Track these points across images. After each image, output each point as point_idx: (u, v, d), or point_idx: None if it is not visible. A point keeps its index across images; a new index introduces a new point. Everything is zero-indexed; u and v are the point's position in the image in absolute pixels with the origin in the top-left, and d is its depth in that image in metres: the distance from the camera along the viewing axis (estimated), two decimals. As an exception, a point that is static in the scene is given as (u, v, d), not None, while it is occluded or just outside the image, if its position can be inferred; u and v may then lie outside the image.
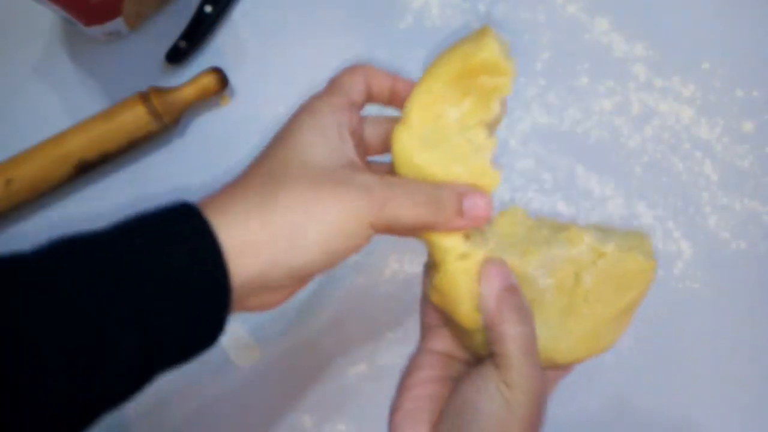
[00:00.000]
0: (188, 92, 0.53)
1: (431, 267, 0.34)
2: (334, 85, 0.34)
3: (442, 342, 0.35)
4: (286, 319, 0.50)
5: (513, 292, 0.32)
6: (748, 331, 0.48)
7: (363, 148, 0.35)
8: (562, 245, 0.33)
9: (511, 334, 0.31)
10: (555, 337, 0.33)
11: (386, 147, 0.35)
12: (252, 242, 0.28)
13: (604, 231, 0.34)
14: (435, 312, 0.35)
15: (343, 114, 0.33)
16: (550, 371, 0.35)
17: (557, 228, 0.34)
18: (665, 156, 0.51)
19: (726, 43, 0.52)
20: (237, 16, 0.56)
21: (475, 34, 0.33)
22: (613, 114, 0.52)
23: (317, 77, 0.55)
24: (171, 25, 0.56)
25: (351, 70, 0.35)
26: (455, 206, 0.31)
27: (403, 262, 0.50)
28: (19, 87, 0.57)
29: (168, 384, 0.49)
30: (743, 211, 0.50)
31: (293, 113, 0.34)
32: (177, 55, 0.55)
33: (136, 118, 0.52)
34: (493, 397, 0.30)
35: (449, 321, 0.34)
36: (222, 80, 0.54)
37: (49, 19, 0.57)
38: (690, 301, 0.49)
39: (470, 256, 0.32)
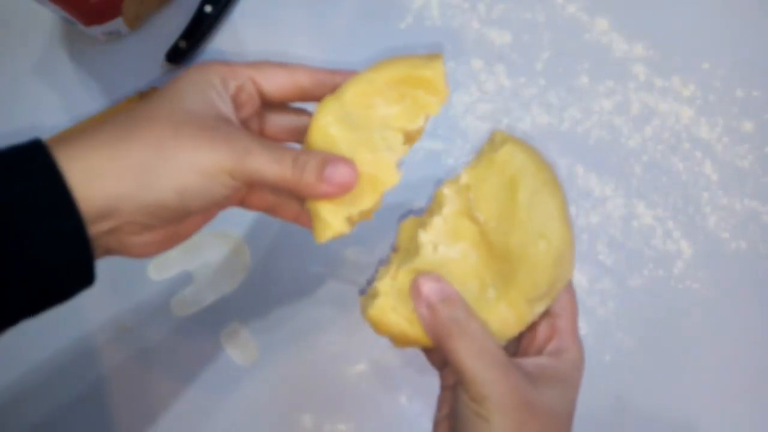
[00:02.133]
0: (188, 92, 0.53)
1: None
2: (232, 64, 0.34)
3: (451, 376, 0.34)
4: (286, 319, 0.50)
5: (447, 303, 0.30)
6: (748, 331, 0.48)
7: (247, 118, 0.35)
8: (436, 212, 0.33)
9: (455, 347, 0.29)
10: (508, 286, 0.31)
11: (287, 137, 0.36)
12: (98, 174, 0.28)
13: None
14: (435, 352, 0.34)
15: (227, 76, 0.33)
16: (557, 318, 0.33)
17: (431, 206, 0.34)
18: (665, 156, 0.51)
19: (726, 43, 0.53)
20: (237, 16, 0.56)
21: (428, 55, 0.36)
22: (613, 114, 0.52)
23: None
24: (171, 25, 0.56)
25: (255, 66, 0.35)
26: (317, 170, 0.31)
27: (403, 262, 0.50)
28: (19, 87, 0.57)
29: (167, 383, 0.50)
30: (743, 211, 0.50)
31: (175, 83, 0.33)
32: (177, 55, 0.55)
33: (136, 118, 0.52)
34: (472, 422, 0.29)
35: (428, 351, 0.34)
36: (222, 80, 0.54)
37: (49, 19, 0.57)
38: (690, 301, 0.49)
39: (390, 281, 0.32)
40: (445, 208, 0.33)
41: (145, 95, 0.52)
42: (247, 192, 0.36)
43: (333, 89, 0.35)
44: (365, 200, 0.33)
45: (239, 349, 0.50)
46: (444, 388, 0.35)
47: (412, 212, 0.51)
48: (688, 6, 0.53)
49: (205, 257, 0.51)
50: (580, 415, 0.48)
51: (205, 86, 0.32)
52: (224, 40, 0.56)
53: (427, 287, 0.30)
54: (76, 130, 0.30)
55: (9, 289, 0.27)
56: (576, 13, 0.54)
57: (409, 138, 0.34)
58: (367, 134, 0.33)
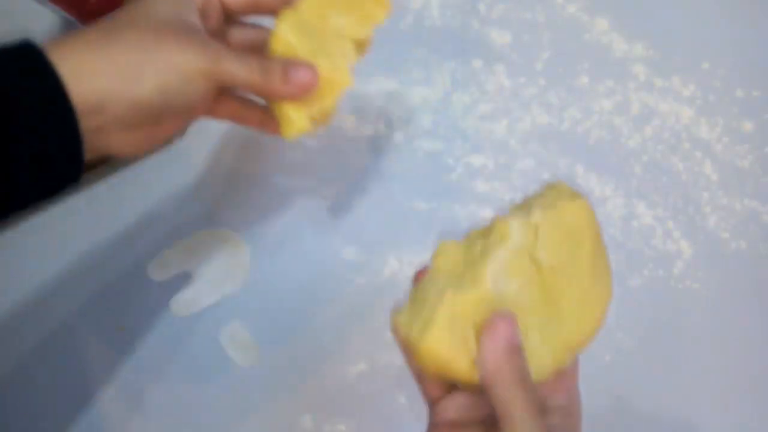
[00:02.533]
0: (188, 92, 0.53)
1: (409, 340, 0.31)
2: None
3: (454, 409, 0.33)
4: (286, 319, 0.50)
5: (515, 353, 0.29)
6: (748, 331, 0.48)
7: (212, 31, 0.38)
8: (499, 244, 0.31)
9: (512, 397, 0.28)
10: (554, 332, 0.31)
11: (248, 51, 0.39)
12: (89, 69, 0.30)
13: (522, 205, 0.33)
14: (436, 383, 0.33)
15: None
16: (568, 371, 0.33)
17: (485, 233, 0.33)
18: (665, 156, 0.51)
19: (726, 43, 0.53)
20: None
21: None
22: (613, 114, 0.52)
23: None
24: (171, 25, 0.56)
25: None
26: (281, 74, 0.35)
27: (402, 262, 0.50)
28: (19, 87, 0.57)
29: (167, 383, 0.50)
30: (743, 211, 0.50)
31: None
32: (177, 55, 0.55)
33: (136, 118, 0.52)
34: None
35: (453, 382, 0.32)
36: (222, 80, 0.54)
37: (49, 19, 0.57)
38: (690, 301, 0.49)
39: (449, 308, 0.30)
40: (510, 242, 0.31)
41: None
42: (215, 101, 0.38)
43: (289, 2, 0.39)
44: (325, 101, 0.38)
45: (239, 349, 0.50)
46: (434, 425, 0.34)
47: (411, 210, 0.51)
48: (688, 6, 0.53)
49: (205, 257, 0.51)
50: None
51: None
52: (224, 40, 0.56)
53: (504, 330, 0.29)
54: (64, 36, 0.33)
55: (9, 172, 0.29)
56: (576, 13, 0.54)
57: (360, 45, 0.39)
58: (322, 41, 0.38)
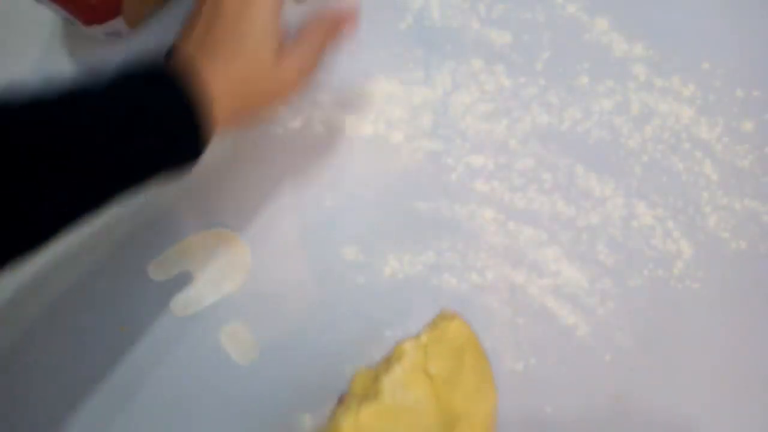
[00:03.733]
0: (188, 92, 0.53)
1: None
2: None
3: None
4: (286, 319, 0.50)
5: None
6: (748, 331, 0.48)
7: None
8: (396, 363, 0.37)
9: None
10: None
11: None
12: (221, 99, 0.40)
13: (418, 334, 0.38)
14: None
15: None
16: None
17: (389, 359, 0.38)
18: (665, 156, 0.51)
19: (726, 43, 0.53)
20: (237, 16, 0.56)
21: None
22: (613, 114, 0.52)
23: (317, 77, 0.55)
24: (171, 25, 0.56)
25: None
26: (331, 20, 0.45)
27: (402, 262, 0.50)
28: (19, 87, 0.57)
29: (167, 383, 0.49)
30: (743, 211, 0.50)
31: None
32: (177, 55, 0.55)
33: (136, 118, 0.52)
34: None
35: None
36: (222, 80, 0.54)
37: (49, 19, 0.57)
38: (690, 301, 0.49)
39: (354, 417, 0.36)
40: (404, 360, 0.37)
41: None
42: None
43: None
44: None
45: (239, 349, 0.50)
46: None
47: (411, 210, 0.51)
48: (688, 6, 0.53)
49: (205, 257, 0.51)
50: (581, 415, 0.48)
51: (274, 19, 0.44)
52: (224, 40, 0.56)
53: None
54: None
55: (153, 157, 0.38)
56: (576, 13, 0.54)
57: None
58: None
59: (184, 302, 0.50)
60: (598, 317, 0.49)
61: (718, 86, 0.52)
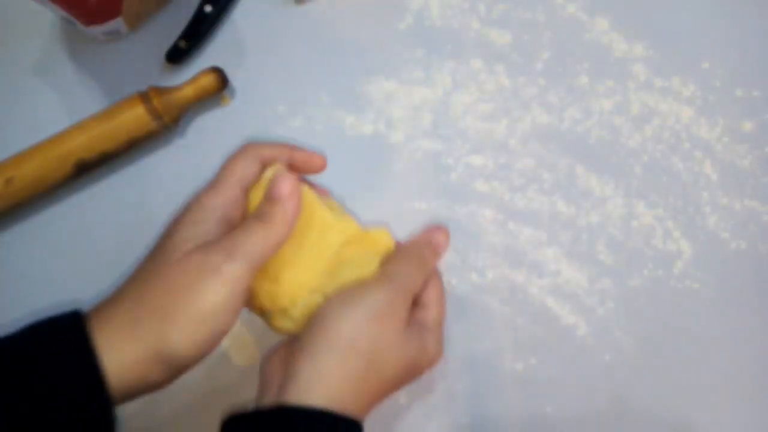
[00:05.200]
0: (188, 92, 0.53)
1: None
2: (223, 175, 0.36)
3: None
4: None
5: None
6: (748, 331, 0.48)
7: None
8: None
9: None
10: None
11: None
12: (130, 361, 0.30)
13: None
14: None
15: (227, 209, 0.35)
16: None
17: None
18: (665, 156, 0.51)
19: (726, 43, 0.53)
20: (237, 16, 0.57)
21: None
22: (613, 114, 0.52)
23: (317, 77, 0.55)
24: (171, 25, 0.56)
25: (242, 152, 0.37)
26: (270, 205, 0.34)
27: (403, 262, 0.50)
28: (19, 87, 0.57)
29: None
30: (743, 211, 0.50)
31: (177, 216, 0.36)
32: (177, 55, 0.55)
33: (136, 118, 0.52)
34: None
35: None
36: (222, 80, 0.54)
37: (49, 19, 0.57)
38: (690, 301, 0.49)
39: None
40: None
41: (145, 95, 0.52)
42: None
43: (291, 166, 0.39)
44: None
45: (239, 349, 0.50)
46: None
47: (411, 210, 0.51)
48: (688, 6, 0.53)
49: (205, 257, 0.51)
50: (581, 415, 0.48)
51: (209, 234, 0.34)
52: (224, 40, 0.56)
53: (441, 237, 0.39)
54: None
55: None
56: (576, 13, 0.54)
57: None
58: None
59: (184, 302, 0.50)
60: (598, 317, 0.49)
61: (718, 86, 0.52)
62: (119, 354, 0.30)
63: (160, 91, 0.53)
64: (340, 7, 0.56)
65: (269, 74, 0.55)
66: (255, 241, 0.32)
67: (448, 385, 0.49)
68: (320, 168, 0.39)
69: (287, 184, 0.34)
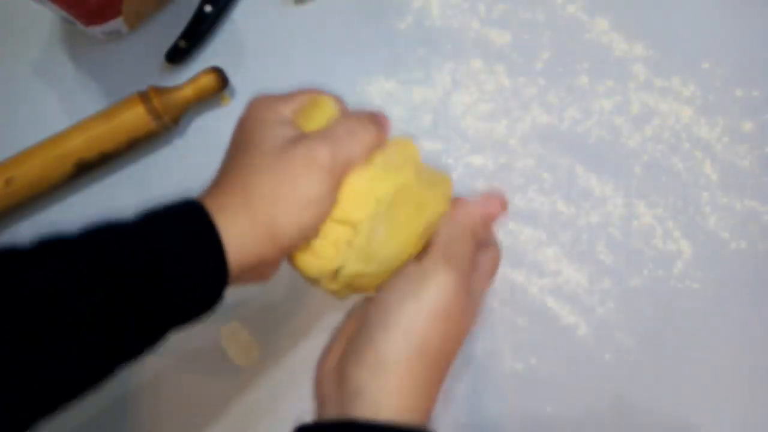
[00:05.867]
0: (188, 92, 0.53)
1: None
2: (288, 93, 0.38)
3: None
4: (286, 320, 0.50)
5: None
6: (748, 331, 0.48)
7: None
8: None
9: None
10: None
11: None
12: (241, 237, 0.32)
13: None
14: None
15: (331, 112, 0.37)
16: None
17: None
18: (665, 156, 0.51)
19: (726, 43, 0.53)
20: (237, 16, 0.57)
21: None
22: (613, 114, 0.52)
23: (317, 77, 0.55)
24: (171, 25, 0.56)
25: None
26: (371, 119, 0.36)
27: (403, 262, 0.50)
28: (19, 87, 0.57)
29: (167, 383, 0.50)
30: (743, 211, 0.50)
31: (251, 119, 0.37)
32: (177, 55, 0.55)
33: (136, 118, 0.52)
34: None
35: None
36: (222, 80, 0.54)
37: (49, 19, 0.57)
38: (690, 301, 0.49)
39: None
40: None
41: (144, 95, 0.52)
42: None
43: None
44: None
45: (239, 349, 0.50)
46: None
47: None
48: (688, 6, 0.53)
49: (205, 257, 0.51)
50: (581, 415, 0.48)
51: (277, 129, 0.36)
52: (224, 40, 0.56)
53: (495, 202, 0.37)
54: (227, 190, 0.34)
55: (165, 315, 0.32)
56: (576, 13, 0.54)
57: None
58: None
59: (184, 302, 0.50)
60: (598, 317, 0.49)
61: (718, 86, 0.52)
62: (239, 232, 0.31)
63: (160, 91, 0.53)
64: (340, 7, 0.56)
65: (269, 74, 0.55)
66: (355, 141, 0.34)
67: (448, 385, 0.49)
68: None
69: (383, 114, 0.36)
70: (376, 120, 0.35)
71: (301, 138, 0.34)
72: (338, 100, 0.39)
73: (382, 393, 0.31)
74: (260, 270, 0.35)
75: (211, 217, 0.32)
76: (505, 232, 0.51)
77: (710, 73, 0.52)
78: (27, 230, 0.55)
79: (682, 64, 0.52)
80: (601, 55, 0.53)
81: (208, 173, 0.54)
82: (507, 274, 0.50)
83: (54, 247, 0.31)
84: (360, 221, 0.34)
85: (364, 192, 0.35)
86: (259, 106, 0.36)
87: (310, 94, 0.38)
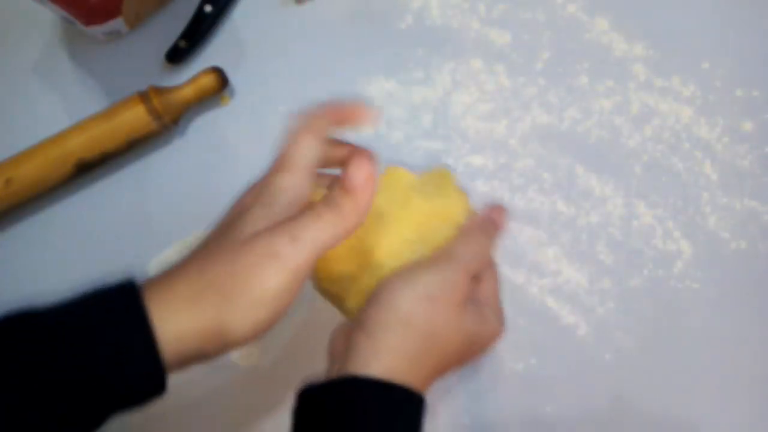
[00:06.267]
0: (188, 92, 0.53)
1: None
2: (290, 155, 0.34)
3: None
4: (286, 320, 0.50)
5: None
6: (748, 331, 0.48)
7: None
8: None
9: None
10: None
11: None
12: (188, 333, 0.30)
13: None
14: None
15: (296, 190, 0.34)
16: None
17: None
18: (665, 156, 0.51)
19: (726, 43, 0.52)
20: (237, 16, 0.57)
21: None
22: (613, 114, 0.52)
23: (317, 77, 0.55)
24: (171, 25, 0.56)
25: (304, 131, 0.35)
26: (341, 195, 0.32)
27: (403, 262, 0.50)
28: (19, 87, 0.57)
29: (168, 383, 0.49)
30: (743, 211, 0.50)
31: (244, 196, 0.36)
32: (177, 55, 0.55)
33: (136, 118, 0.52)
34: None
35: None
36: (222, 80, 0.54)
37: (49, 19, 0.57)
38: (690, 301, 0.49)
39: None
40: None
41: (144, 95, 0.52)
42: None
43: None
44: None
45: (239, 349, 0.50)
46: None
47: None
48: (688, 6, 0.53)
49: (205, 257, 0.51)
50: (581, 415, 0.48)
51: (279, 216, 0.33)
52: (224, 40, 0.56)
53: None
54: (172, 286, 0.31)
55: (102, 403, 0.29)
56: (576, 13, 0.54)
57: None
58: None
59: (184, 302, 0.50)
60: (598, 317, 0.49)
61: (718, 86, 0.52)
62: (177, 325, 0.29)
63: (160, 91, 0.53)
64: (340, 7, 0.56)
65: (269, 74, 0.55)
66: (322, 228, 0.31)
67: (448, 385, 0.49)
68: (370, 119, 0.37)
69: (363, 173, 0.32)
70: (352, 197, 0.32)
71: (273, 226, 0.31)
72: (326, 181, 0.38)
73: (371, 352, 0.34)
74: (208, 358, 0.32)
75: (147, 310, 0.29)
76: (505, 232, 0.51)
77: (710, 73, 0.52)
78: (27, 231, 0.55)
79: (682, 64, 0.52)
80: (601, 55, 0.53)
81: (208, 173, 0.54)
82: (507, 274, 0.50)
83: None
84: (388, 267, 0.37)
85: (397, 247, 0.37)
86: (254, 184, 0.35)
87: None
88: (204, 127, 0.55)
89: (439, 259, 0.36)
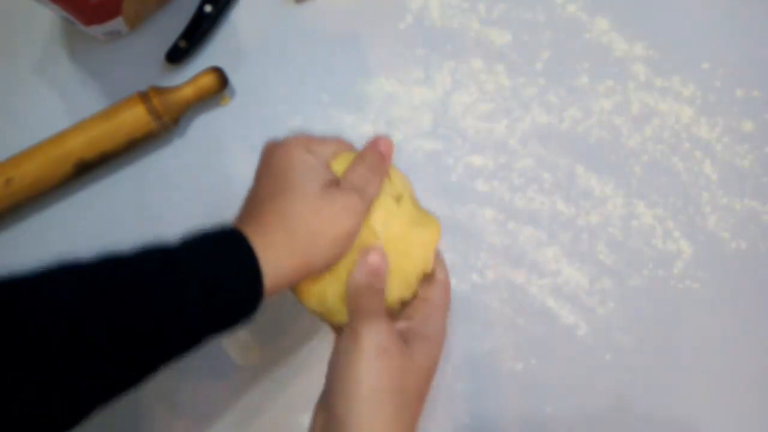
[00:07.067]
0: (188, 92, 0.53)
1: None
2: (320, 137, 0.42)
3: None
4: (286, 319, 0.50)
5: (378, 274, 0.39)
6: (748, 331, 0.48)
7: None
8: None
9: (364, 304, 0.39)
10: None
11: None
12: (284, 269, 0.37)
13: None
14: None
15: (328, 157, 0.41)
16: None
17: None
18: (665, 156, 0.51)
19: (726, 43, 0.53)
20: (237, 16, 0.57)
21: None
22: (613, 114, 0.52)
23: (317, 77, 0.55)
24: (171, 25, 0.56)
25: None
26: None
27: (403, 262, 0.50)
28: (19, 87, 0.57)
29: (169, 383, 0.50)
30: (743, 211, 0.50)
31: (285, 160, 0.40)
32: (177, 55, 0.55)
33: (136, 118, 0.52)
34: (345, 353, 0.39)
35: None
36: (222, 80, 0.54)
37: (49, 19, 0.57)
38: (690, 301, 0.49)
39: None
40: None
41: (144, 95, 0.52)
42: None
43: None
44: None
45: (239, 349, 0.50)
46: None
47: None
48: (688, 6, 0.53)
49: (205, 257, 0.51)
50: (581, 415, 0.48)
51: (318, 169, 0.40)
52: (224, 40, 0.56)
53: (373, 258, 0.39)
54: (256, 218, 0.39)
55: (206, 326, 0.36)
56: (576, 13, 0.54)
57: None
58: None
59: (184, 302, 0.50)
60: (598, 317, 0.49)
61: (718, 86, 0.52)
62: (276, 262, 0.36)
63: (160, 91, 0.53)
64: (340, 7, 0.56)
65: (269, 74, 0.55)
66: (375, 187, 0.40)
67: (448, 385, 0.49)
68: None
69: (385, 139, 0.41)
70: (383, 159, 0.41)
71: (336, 184, 0.39)
72: (353, 149, 0.43)
73: (362, 422, 0.37)
74: (292, 285, 0.40)
75: (254, 249, 0.36)
76: (505, 232, 0.51)
77: (710, 73, 0.52)
78: (27, 231, 0.55)
79: (682, 64, 0.52)
80: (601, 55, 0.53)
81: (208, 173, 0.54)
82: (507, 274, 0.50)
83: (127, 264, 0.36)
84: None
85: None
86: (298, 146, 0.40)
87: (339, 143, 0.42)
88: (204, 127, 0.55)
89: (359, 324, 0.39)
